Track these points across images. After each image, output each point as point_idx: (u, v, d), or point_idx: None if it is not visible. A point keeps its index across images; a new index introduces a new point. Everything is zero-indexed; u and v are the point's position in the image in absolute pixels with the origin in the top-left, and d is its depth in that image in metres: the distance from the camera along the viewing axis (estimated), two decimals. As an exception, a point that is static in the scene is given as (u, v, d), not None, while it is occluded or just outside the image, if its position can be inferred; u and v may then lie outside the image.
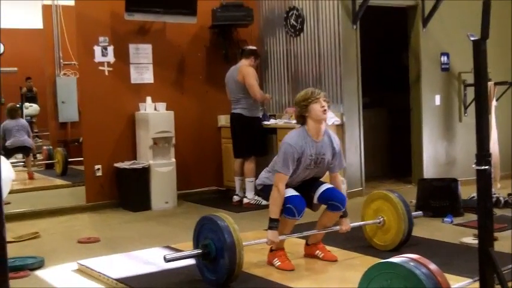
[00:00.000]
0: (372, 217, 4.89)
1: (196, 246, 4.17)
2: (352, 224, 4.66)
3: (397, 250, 4.61)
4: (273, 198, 4.27)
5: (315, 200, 4.50)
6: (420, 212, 5.26)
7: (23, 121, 9.44)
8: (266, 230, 4.74)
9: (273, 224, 4.27)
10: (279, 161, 4.29)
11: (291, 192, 4.31)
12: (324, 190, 4.45)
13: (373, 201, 4.95)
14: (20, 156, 9.89)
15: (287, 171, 4.25)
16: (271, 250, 4.51)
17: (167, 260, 3.98)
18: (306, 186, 4.49)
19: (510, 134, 8.07)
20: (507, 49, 8.24)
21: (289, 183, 4.36)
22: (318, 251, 4.64)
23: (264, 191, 4.55)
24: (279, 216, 4.28)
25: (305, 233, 4.62)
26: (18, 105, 9.68)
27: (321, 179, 4.59)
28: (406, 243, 4.78)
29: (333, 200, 4.42)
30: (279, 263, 4.42)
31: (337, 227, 4.60)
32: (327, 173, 4.59)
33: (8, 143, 8.89)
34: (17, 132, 9.04)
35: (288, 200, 4.25)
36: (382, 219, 4.80)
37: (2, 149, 8.84)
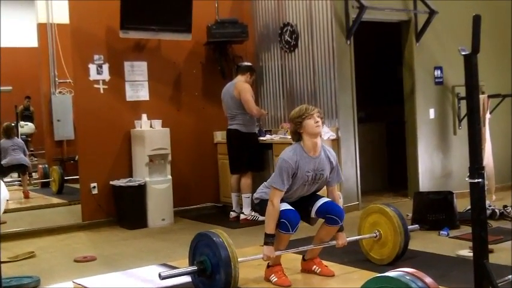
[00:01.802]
0: (368, 231, 4.89)
1: (192, 263, 4.18)
2: (348, 239, 4.66)
3: (394, 264, 4.62)
4: (268, 213, 4.27)
5: (313, 214, 4.49)
6: (416, 225, 5.27)
7: (18, 140, 9.45)
8: (263, 245, 4.74)
9: (269, 240, 4.26)
10: (274, 176, 4.30)
11: (285, 206, 4.30)
12: (321, 204, 4.45)
13: (369, 215, 4.96)
14: (15, 175, 9.89)
15: (282, 187, 4.25)
16: (268, 266, 4.50)
17: (162, 278, 3.99)
18: (304, 201, 4.49)
19: (504, 146, 8.10)
20: (501, 62, 8.30)
21: (288, 198, 4.36)
22: (315, 266, 4.63)
23: (260, 205, 4.54)
24: (274, 231, 4.28)
25: (301, 248, 4.62)
26: (13, 124, 9.67)
27: (318, 193, 4.59)
28: (403, 257, 4.78)
29: (331, 214, 4.41)
30: (276, 279, 4.41)
31: (334, 242, 4.60)
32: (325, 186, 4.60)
33: (4, 162, 8.89)
34: (13, 151, 9.05)
35: (282, 214, 4.24)
36: (378, 233, 4.81)
37: None
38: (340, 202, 5.40)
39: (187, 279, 4.54)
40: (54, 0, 9.88)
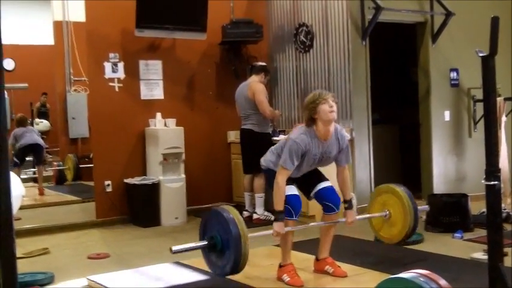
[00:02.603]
0: (378, 210, 4.88)
1: (202, 238, 4.19)
2: (358, 217, 4.69)
3: (403, 244, 4.72)
4: (276, 192, 4.28)
5: (312, 195, 4.54)
6: (426, 206, 5.21)
7: (31, 127, 9.41)
8: (274, 245, 4.76)
9: (279, 216, 4.26)
10: (284, 155, 4.28)
11: (290, 190, 4.32)
12: (321, 188, 4.49)
13: (380, 195, 4.95)
14: (30, 172, 9.94)
15: (291, 167, 4.24)
16: (280, 266, 4.50)
17: (173, 252, 4.01)
18: (307, 179, 4.52)
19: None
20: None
21: (292, 174, 4.33)
22: (327, 266, 4.61)
23: (268, 173, 4.53)
24: (283, 207, 4.27)
25: (311, 225, 4.82)
26: (29, 120, 9.73)
27: (323, 178, 4.57)
28: (416, 260, 4.77)
29: (327, 201, 4.47)
30: (288, 278, 4.40)
31: (343, 219, 4.60)
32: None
33: (18, 144, 8.90)
34: (27, 133, 9.03)
35: (286, 199, 4.27)
36: (388, 212, 4.79)
37: (15, 152, 8.90)
38: (354, 202, 5.41)
39: (199, 277, 4.56)
40: (70, -1, 9.94)
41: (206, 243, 4.07)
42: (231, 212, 4.02)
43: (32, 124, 10.08)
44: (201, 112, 7.83)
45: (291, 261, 4.48)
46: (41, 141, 9.23)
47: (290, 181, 4.35)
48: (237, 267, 3.97)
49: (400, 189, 4.78)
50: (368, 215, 4.95)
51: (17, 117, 9.20)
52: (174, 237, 6.51)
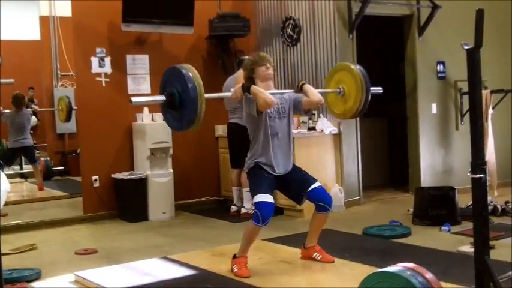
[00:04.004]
0: (334, 87, 4.98)
1: (162, 94, 4.19)
2: (318, 90, 4.80)
3: (354, 118, 5.16)
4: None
5: (304, 194, 4.61)
6: (379, 88, 5.18)
7: (26, 113, 9.17)
8: (263, 239, 4.78)
9: (246, 85, 4.45)
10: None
11: (266, 198, 4.38)
12: (312, 189, 4.57)
13: (336, 72, 5.04)
14: (16, 168, 9.86)
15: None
16: (234, 256, 4.60)
17: (133, 103, 4.06)
18: (296, 183, 4.61)
19: (507, 141, 8.08)
20: (503, 57, 8.26)
21: (267, 139, 4.50)
22: (315, 253, 4.73)
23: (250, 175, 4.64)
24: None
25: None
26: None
27: (311, 180, 4.63)
28: (404, 253, 4.78)
29: (321, 202, 4.55)
30: (237, 269, 4.52)
31: None
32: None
33: (10, 145, 8.79)
34: (19, 131, 8.86)
35: (257, 205, 4.39)
36: (342, 89, 4.89)
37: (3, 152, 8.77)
38: (341, 195, 5.42)
39: (187, 272, 4.56)
40: (56, -6, 9.87)
41: (165, 98, 4.09)
42: (190, 70, 4.05)
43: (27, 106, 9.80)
44: (188, 106, 7.79)
45: (246, 255, 4.57)
46: (29, 143, 9.08)
47: (270, 189, 4.47)
48: (193, 123, 4.01)
49: (355, 67, 4.91)
50: (323, 90, 5.11)
51: (13, 96, 8.86)
52: (162, 232, 6.50)
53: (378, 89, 5.13)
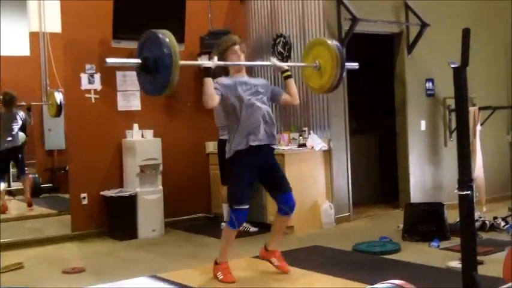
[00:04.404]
0: (311, 62, 5.03)
1: (138, 57, 4.22)
2: (291, 64, 5.10)
3: (330, 92, 5.18)
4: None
5: (274, 196, 4.90)
6: (356, 63, 5.23)
7: (18, 115, 9.07)
8: (253, 257, 4.79)
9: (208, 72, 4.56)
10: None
11: (243, 205, 4.63)
12: (283, 193, 4.81)
13: (313, 47, 5.09)
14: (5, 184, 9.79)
15: (222, 85, 4.68)
16: (216, 263, 4.78)
17: (108, 63, 4.11)
18: (274, 182, 4.83)
19: (495, 158, 8.12)
20: (491, 74, 8.34)
21: (250, 119, 4.63)
22: (274, 259, 4.91)
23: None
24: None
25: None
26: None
27: (287, 188, 4.82)
28: (393, 267, 4.78)
29: (284, 205, 4.80)
30: (222, 276, 4.71)
31: None
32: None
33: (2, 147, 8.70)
34: (9, 132, 8.77)
35: (232, 212, 4.64)
36: (318, 63, 4.94)
37: None
38: (331, 212, 5.42)
39: None
40: (46, 9, 9.86)
41: (140, 62, 4.13)
42: (167, 35, 4.07)
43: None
44: (179, 123, 7.80)
45: (226, 260, 4.79)
46: (19, 143, 8.93)
47: (248, 191, 4.71)
48: (165, 88, 4.06)
49: (331, 42, 4.95)
50: (300, 64, 5.27)
51: (3, 94, 8.77)
52: (152, 250, 6.46)
53: (353, 65, 5.22)
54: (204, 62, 4.75)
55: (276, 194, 4.86)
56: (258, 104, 4.69)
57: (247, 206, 4.68)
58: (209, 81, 4.54)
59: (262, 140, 4.66)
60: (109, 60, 4.12)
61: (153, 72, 4.05)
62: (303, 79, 5.24)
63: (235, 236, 4.80)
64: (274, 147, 4.87)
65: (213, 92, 4.55)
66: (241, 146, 4.64)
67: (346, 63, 4.94)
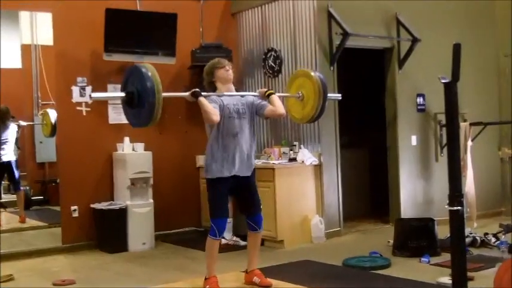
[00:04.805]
0: (294, 92, 5.11)
1: (123, 91, 4.29)
2: (278, 94, 5.03)
3: (311, 122, 5.35)
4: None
5: (246, 215, 4.93)
6: (339, 94, 5.40)
7: (11, 129, 9.03)
8: (242, 271, 4.78)
9: (196, 94, 4.60)
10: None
11: (223, 215, 4.74)
12: (252, 211, 4.87)
13: (297, 78, 5.18)
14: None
15: (214, 105, 4.63)
16: (205, 278, 4.80)
17: (92, 98, 4.34)
18: (246, 204, 4.91)
19: (486, 173, 8.14)
20: (483, 90, 8.38)
21: (225, 136, 4.68)
22: (255, 277, 4.91)
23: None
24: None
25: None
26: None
27: (258, 209, 4.89)
28: (383, 283, 4.78)
29: (255, 224, 4.86)
30: None
31: None
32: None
33: None
34: (2, 147, 8.73)
35: (214, 222, 4.69)
36: (301, 94, 5.02)
37: None
38: (321, 227, 5.40)
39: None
40: (38, 22, 9.87)
41: (124, 95, 4.20)
42: (149, 69, 4.14)
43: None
44: (169, 136, 7.80)
45: (214, 274, 4.79)
46: (13, 157, 8.90)
47: (226, 206, 4.80)
48: (149, 121, 4.16)
49: (314, 74, 5.03)
50: (284, 94, 5.35)
51: None
52: (142, 262, 6.44)
53: (336, 96, 5.35)
54: (183, 93, 4.80)
55: (245, 212, 4.95)
56: (240, 134, 4.73)
57: (227, 216, 4.82)
58: (204, 100, 4.57)
59: (237, 172, 4.74)
60: (94, 95, 4.30)
61: (138, 106, 4.13)
62: (286, 109, 5.26)
63: (218, 247, 4.81)
64: (252, 171, 4.89)
65: (212, 107, 4.57)
66: (218, 174, 4.70)
67: (330, 94, 5.07)
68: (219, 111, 4.61)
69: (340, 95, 5.41)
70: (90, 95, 4.21)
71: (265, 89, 5.00)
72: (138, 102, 4.12)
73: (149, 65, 4.21)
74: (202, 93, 4.64)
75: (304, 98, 5.00)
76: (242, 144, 4.73)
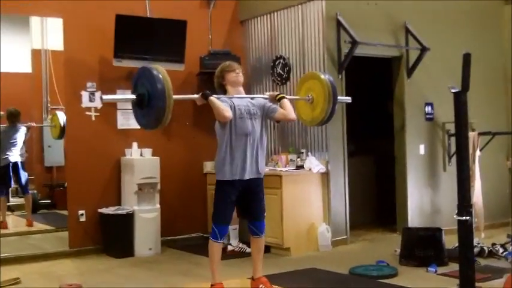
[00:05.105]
0: (304, 95, 5.09)
1: (133, 93, 4.27)
2: (289, 97, 5.08)
3: (321, 125, 5.39)
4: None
5: (248, 220, 4.93)
6: (348, 98, 5.33)
7: (20, 130, 9.07)
8: (249, 278, 4.77)
9: (209, 94, 4.60)
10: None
11: (225, 221, 4.75)
12: (256, 216, 4.84)
13: (307, 80, 5.16)
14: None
15: (225, 104, 4.65)
16: (211, 285, 4.77)
17: (104, 100, 4.31)
18: (250, 210, 4.87)
19: (494, 183, 8.11)
20: (491, 99, 8.37)
21: (236, 137, 4.68)
22: (261, 285, 4.85)
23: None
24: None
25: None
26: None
27: (261, 217, 4.87)
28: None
29: (254, 226, 4.84)
30: None
31: None
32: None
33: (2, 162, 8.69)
34: (10, 147, 8.81)
35: (215, 226, 4.72)
36: (311, 96, 4.99)
37: None
38: (328, 235, 5.37)
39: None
40: (49, 27, 9.92)
41: (135, 97, 4.19)
42: (160, 71, 4.13)
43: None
44: (177, 142, 7.81)
45: (220, 281, 4.76)
46: (19, 159, 8.94)
47: (230, 213, 4.78)
48: (159, 123, 4.15)
49: (324, 77, 4.99)
50: (294, 97, 5.30)
51: (7, 112, 8.78)
52: (148, 267, 6.45)
53: (346, 99, 5.30)
54: (193, 96, 4.82)
55: (248, 217, 4.93)
56: (251, 135, 4.73)
57: (229, 222, 4.82)
58: (214, 99, 4.60)
59: (247, 175, 4.73)
60: (105, 97, 4.28)
61: (147, 107, 4.13)
62: (296, 111, 5.24)
63: (220, 251, 4.81)
64: (261, 177, 4.88)
65: (223, 105, 4.60)
66: (228, 177, 4.70)
67: (339, 97, 5.02)
68: (230, 110, 4.63)
69: (349, 98, 5.33)
70: (101, 97, 4.21)
71: (276, 93, 5.00)
72: (148, 103, 4.11)
73: (159, 67, 4.20)
74: (213, 95, 4.64)
75: (313, 100, 4.98)
76: (253, 144, 4.73)
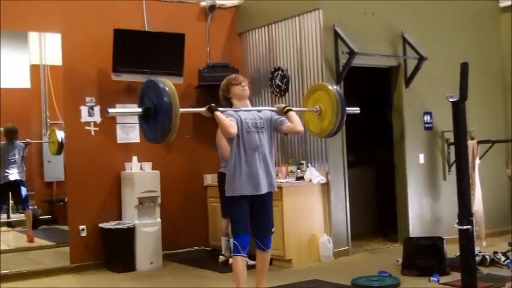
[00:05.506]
0: (311, 106, 5.07)
1: (140, 106, 4.26)
2: (295, 109, 5.03)
3: (331, 136, 5.22)
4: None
5: (255, 235, 4.87)
6: (357, 108, 5.26)
7: (18, 146, 9.08)
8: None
9: (213, 108, 4.59)
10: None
11: (244, 231, 4.71)
12: (264, 231, 4.85)
13: (315, 91, 5.13)
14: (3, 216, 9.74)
15: (231, 118, 4.65)
16: None
17: (109, 113, 4.32)
18: (260, 225, 4.84)
19: (494, 192, 8.11)
20: (490, 108, 8.38)
21: (245, 151, 4.69)
22: None
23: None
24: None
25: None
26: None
27: (269, 232, 4.89)
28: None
29: (259, 241, 4.84)
30: None
31: None
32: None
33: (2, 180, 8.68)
34: (9, 165, 8.79)
35: (235, 238, 4.74)
36: (319, 108, 4.98)
37: None
38: (330, 246, 5.36)
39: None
40: (47, 42, 9.94)
41: (141, 111, 4.18)
42: (166, 84, 4.13)
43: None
44: (177, 155, 7.81)
45: None
46: (18, 177, 8.95)
47: (247, 223, 4.74)
48: (166, 136, 4.13)
49: (332, 88, 4.97)
50: (301, 108, 5.29)
51: (4, 129, 8.81)
52: (149, 282, 6.43)
53: (355, 109, 5.24)
54: (200, 109, 4.82)
55: (255, 232, 4.87)
56: (260, 148, 4.74)
57: (249, 233, 4.75)
58: (220, 114, 4.59)
59: (262, 190, 4.74)
60: (111, 110, 4.26)
61: (154, 120, 4.12)
62: (304, 122, 5.23)
63: (243, 265, 4.76)
64: (275, 190, 4.90)
65: (228, 120, 4.60)
66: (240, 192, 4.71)
67: (348, 108, 4.97)
68: (236, 125, 4.63)
69: (358, 108, 5.28)
70: (107, 111, 4.18)
71: (283, 105, 4.99)
72: (155, 116, 4.10)
73: (166, 80, 4.20)
74: (219, 109, 4.64)
75: (322, 112, 4.96)
76: (263, 158, 4.74)
